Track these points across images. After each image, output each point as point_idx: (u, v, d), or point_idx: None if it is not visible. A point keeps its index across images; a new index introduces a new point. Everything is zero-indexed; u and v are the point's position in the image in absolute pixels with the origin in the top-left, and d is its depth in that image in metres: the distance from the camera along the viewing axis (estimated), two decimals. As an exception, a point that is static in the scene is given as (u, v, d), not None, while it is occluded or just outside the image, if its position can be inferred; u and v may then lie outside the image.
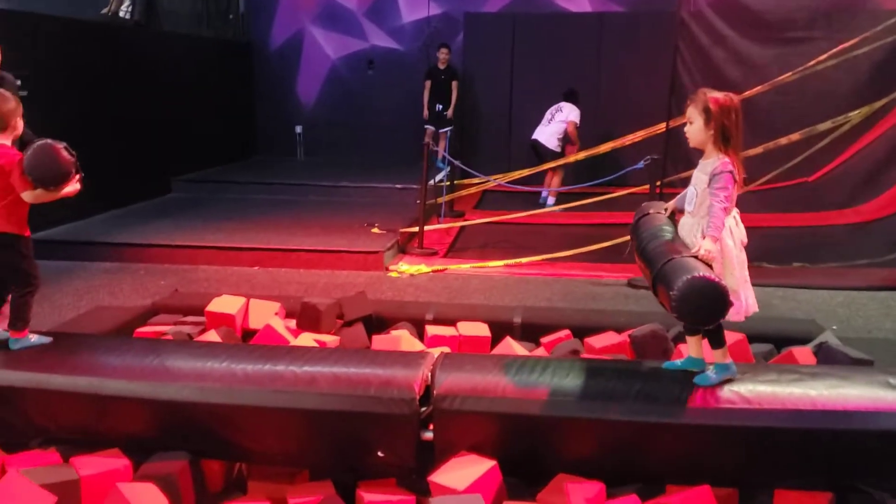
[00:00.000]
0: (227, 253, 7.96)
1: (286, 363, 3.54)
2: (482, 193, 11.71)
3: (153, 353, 3.72)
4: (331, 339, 4.68)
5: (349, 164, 13.25)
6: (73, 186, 3.67)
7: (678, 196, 3.67)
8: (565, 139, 11.02)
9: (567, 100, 11.07)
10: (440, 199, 10.17)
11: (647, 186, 7.80)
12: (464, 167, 10.21)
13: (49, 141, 3.59)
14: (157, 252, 8.03)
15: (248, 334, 4.84)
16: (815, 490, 3.19)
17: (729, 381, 3.31)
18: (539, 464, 3.36)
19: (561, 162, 10.80)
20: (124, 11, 10.49)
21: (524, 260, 7.91)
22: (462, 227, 9.56)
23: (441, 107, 12.30)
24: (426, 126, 12.37)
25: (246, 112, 14.33)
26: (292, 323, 4.92)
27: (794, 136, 9.44)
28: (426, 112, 12.40)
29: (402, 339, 4.57)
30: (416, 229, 8.64)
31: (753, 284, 3.43)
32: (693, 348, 3.50)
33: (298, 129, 14.31)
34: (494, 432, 3.33)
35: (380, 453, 3.34)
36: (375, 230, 8.75)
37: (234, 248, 8.02)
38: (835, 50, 9.72)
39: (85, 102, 9.19)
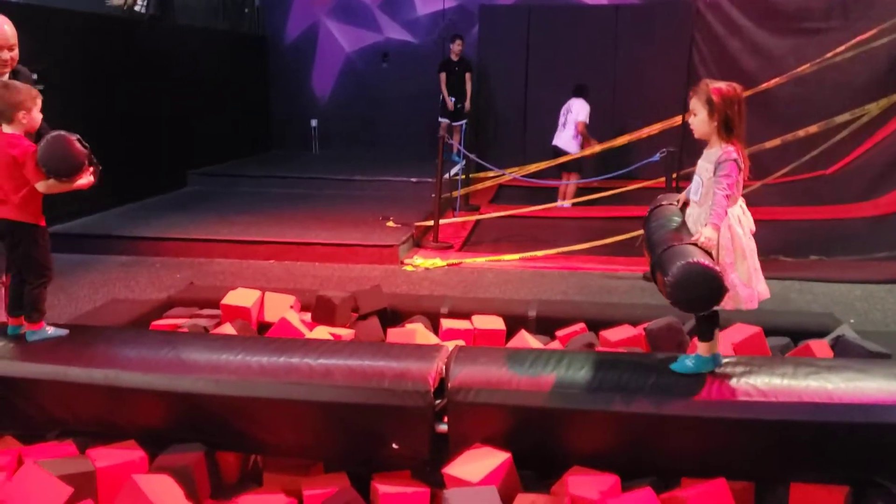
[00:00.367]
0: (243, 246, 7.98)
1: (301, 356, 3.55)
2: (498, 187, 11.69)
3: (169, 345, 3.74)
4: (346, 333, 4.69)
5: (364, 157, 13.25)
6: (87, 178, 3.70)
7: (688, 187, 3.65)
8: (583, 139, 10.97)
9: (576, 95, 10.99)
10: (455, 193, 10.15)
11: (664, 179, 7.76)
12: (479, 160, 10.20)
13: (62, 133, 3.62)
14: (172, 245, 8.07)
15: (264, 327, 4.85)
16: (832, 484, 3.16)
17: (702, 375, 3.31)
18: (553, 456, 3.36)
19: (577, 155, 10.75)
20: (140, 5, 10.53)
21: (539, 253, 7.88)
22: (477, 221, 9.55)
23: (455, 99, 12.22)
24: (441, 119, 12.33)
25: (261, 106, 14.36)
26: (307, 316, 4.92)
27: (812, 129, 9.34)
28: (450, 104, 12.18)
29: (417, 332, 4.56)
30: (431, 223, 8.64)
31: (771, 278, 3.41)
32: (703, 347, 3.46)
33: (313, 122, 14.31)
34: (509, 425, 3.33)
35: (394, 445, 3.34)
36: (390, 224, 8.75)
37: (249, 241, 8.05)
38: (853, 41, 9.62)
39: (101, 96, 9.23)
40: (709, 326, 3.36)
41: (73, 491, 3.06)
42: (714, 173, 3.29)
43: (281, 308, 4.95)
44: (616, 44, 12.57)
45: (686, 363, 3.37)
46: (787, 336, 4.62)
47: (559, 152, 10.90)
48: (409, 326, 4.76)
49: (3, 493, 2.96)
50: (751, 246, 3.34)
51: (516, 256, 7.85)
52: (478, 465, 3.15)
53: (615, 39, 12.56)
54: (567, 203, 10.76)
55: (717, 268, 3.07)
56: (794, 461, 3.21)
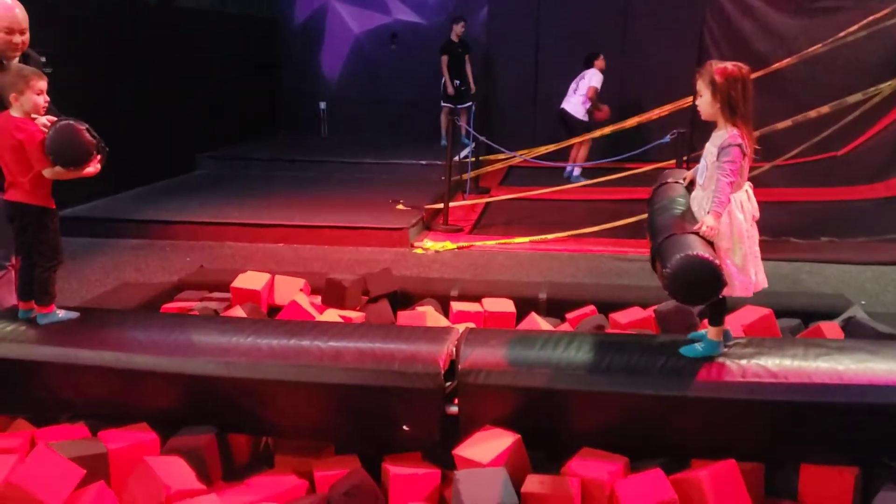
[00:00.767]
0: (253, 229, 8.00)
1: (311, 338, 3.55)
2: (508, 169, 11.66)
3: (179, 328, 3.75)
4: (356, 316, 4.69)
5: (373, 140, 13.23)
6: (93, 167, 3.68)
7: (696, 167, 3.61)
8: (592, 106, 10.94)
9: (588, 65, 10.99)
10: (465, 176, 10.14)
11: (674, 161, 7.73)
12: (489, 142, 10.17)
13: (72, 122, 3.58)
14: (182, 229, 8.09)
15: (274, 310, 4.85)
16: (842, 465, 3.16)
17: (712, 356, 3.30)
18: (563, 437, 3.36)
19: (587, 137, 10.72)
20: (148, -12, 10.51)
21: (550, 236, 7.88)
22: (487, 204, 9.54)
23: (459, 82, 12.09)
24: (443, 104, 12.18)
25: (270, 88, 14.33)
26: (317, 299, 4.93)
27: (824, 109, 9.26)
28: (451, 88, 12.05)
29: (428, 315, 4.56)
30: (441, 206, 8.63)
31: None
32: (712, 331, 3.44)
33: (322, 104, 14.25)
34: (519, 406, 3.33)
35: (405, 427, 3.35)
36: (400, 207, 8.75)
37: (259, 224, 8.07)
38: (865, 21, 9.53)
39: (109, 79, 9.22)
40: (718, 311, 3.35)
41: (86, 473, 3.07)
42: (717, 158, 3.23)
43: (291, 291, 4.95)
44: (626, 24, 12.50)
45: (696, 348, 3.35)
46: (798, 317, 4.59)
47: (566, 116, 10.90)
48: (419, 309, 4.75)
49: (16, 475, 2.98)
50: (751, 232, 3.29)
51: (526, 239, 7.84)
52: (488, 446, 3.16)
53: (626, 20, 12.50)
54: (577, 171, 10.74)
55: (717, 261, 3.03)
56: (805, 442, 3.20)
